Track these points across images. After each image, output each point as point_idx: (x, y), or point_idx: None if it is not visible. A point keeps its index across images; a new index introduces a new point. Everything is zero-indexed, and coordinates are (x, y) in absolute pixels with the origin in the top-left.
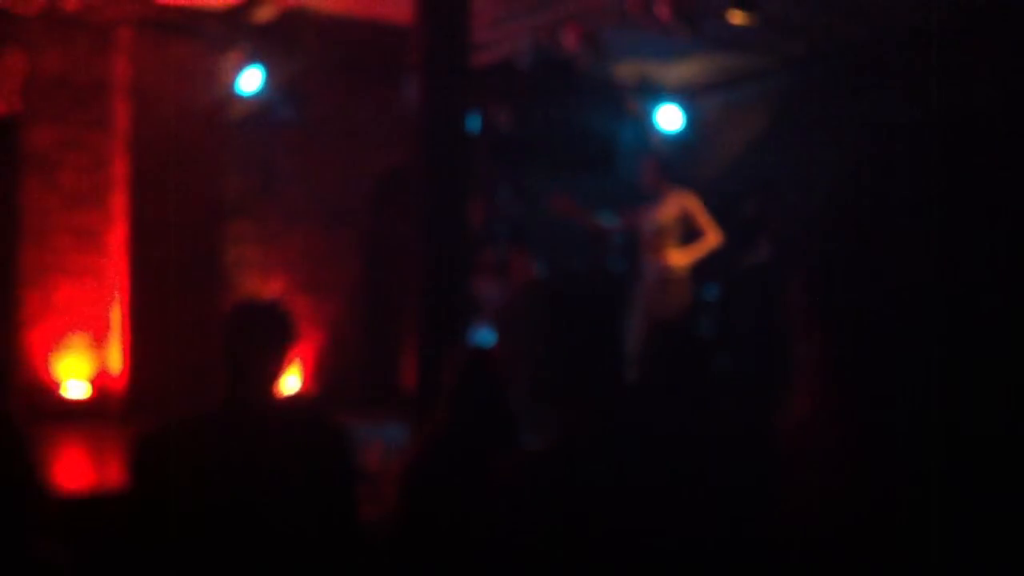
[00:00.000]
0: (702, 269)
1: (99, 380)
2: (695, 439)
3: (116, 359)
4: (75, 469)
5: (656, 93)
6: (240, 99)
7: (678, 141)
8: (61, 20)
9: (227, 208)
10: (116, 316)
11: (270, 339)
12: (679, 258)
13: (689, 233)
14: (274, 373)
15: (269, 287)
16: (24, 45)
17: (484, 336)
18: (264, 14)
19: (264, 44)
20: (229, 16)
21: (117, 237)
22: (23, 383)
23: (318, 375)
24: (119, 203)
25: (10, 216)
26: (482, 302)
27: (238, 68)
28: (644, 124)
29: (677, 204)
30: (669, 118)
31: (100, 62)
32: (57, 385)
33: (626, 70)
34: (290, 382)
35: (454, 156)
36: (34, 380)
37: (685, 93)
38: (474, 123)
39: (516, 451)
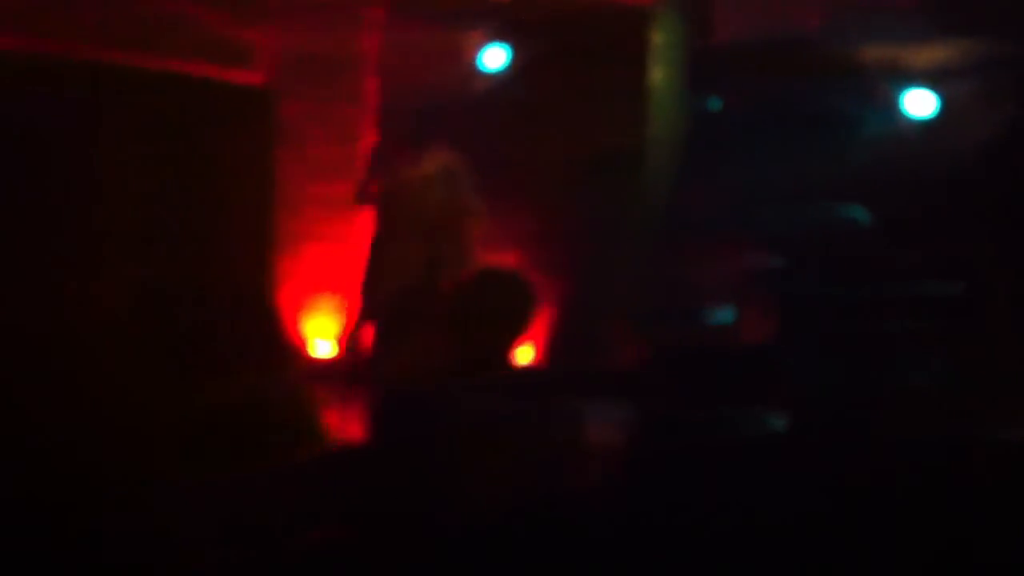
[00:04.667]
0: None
1: (344, 340)
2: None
3: (363, 330)
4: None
5: (904, 77)
6: (481, 78)
7: (928, 128)
8: None
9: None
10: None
11: (510, 307)
12: None
13: None
14: (513, 341)
15: (501, 262)
16: (279, 19)
17: (718, 318)
18: None
19: (507, 23)
20: None
21: (364, 209)
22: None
23: (548, 350)
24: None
25: (264, 185)
26: (702, 285)
27: (481, 47)
28: (891, 109)
29: None
30: (918, 104)
31: (350, 38)
32: (305, 344)
33: (872, 51)
34: (524, 353)
35: (681, 138)
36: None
37: (936, 78)
38: (713, 104)
39: (746, 436)
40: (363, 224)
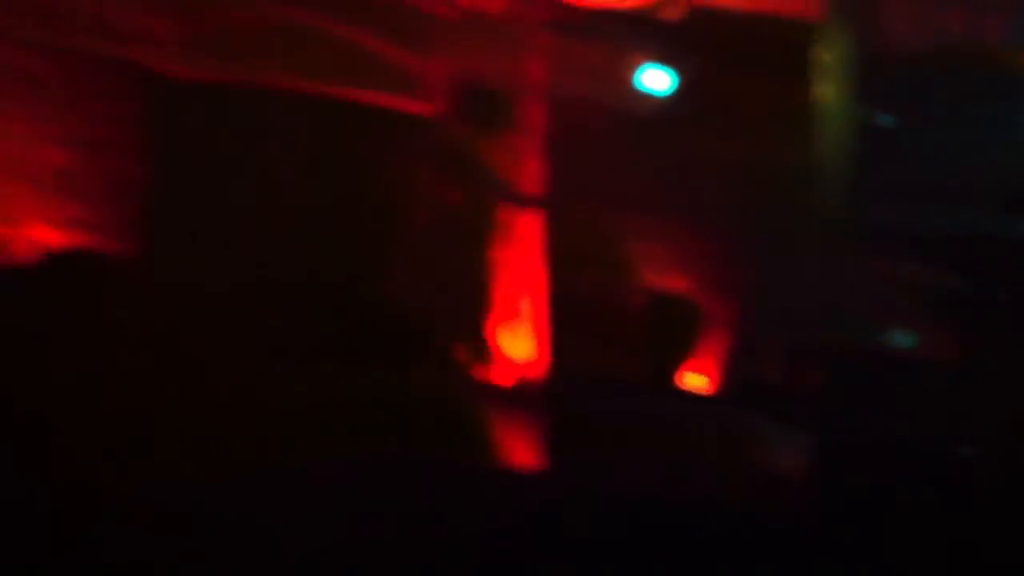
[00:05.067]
0: None
1: (520, 366)
2: None
3: (535, 347)
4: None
5: None
6: (646, 98)
7: None
8: (481, 24)
9: (634, 205)
10: (532, 306)
11: (680, 331)
12: None
13: None
14: (682, 361)
15: (672, 285)
16: (448, 49)
17: (898, 337)
18: (671, 13)
19: (670, 43)
20: (638, 16)
21: (532, 230)
22: None
23: (720, 373)
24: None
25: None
26: (880, 302)
27: (644, 69)
28: None
29: None
30: None
31: (516, 64)
32: (486, 370)
33: None
34: (695, 377)
35: (852, 153)
36: None
37: None
38: (885, 118)
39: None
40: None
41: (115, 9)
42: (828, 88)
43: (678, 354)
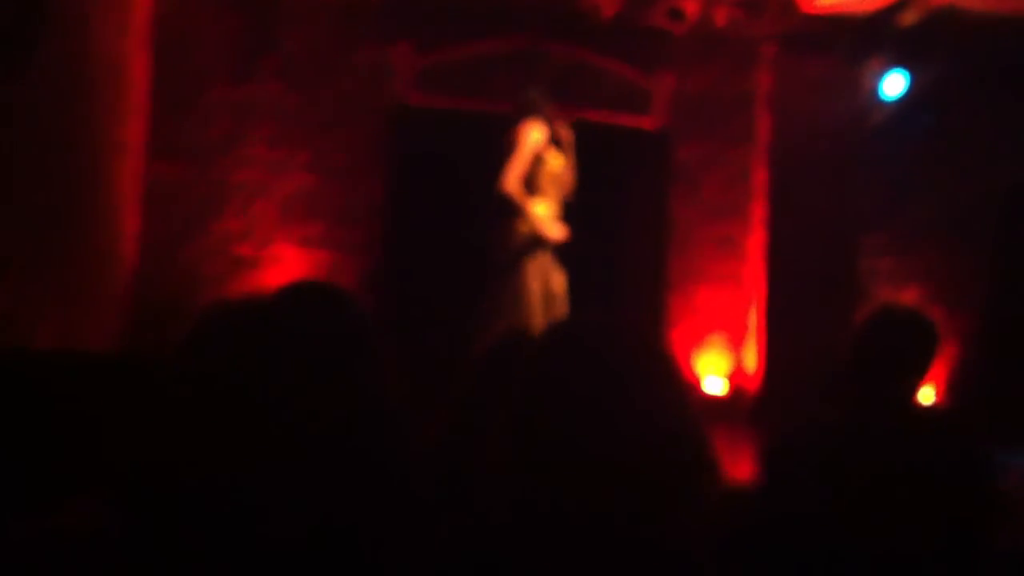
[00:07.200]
0: None
1: (735, 378)
2: None
3: (751, 359)
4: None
5: None
6: (880, 107)
7: None
8: (707, 38)
9: (862, 218)
10: (752, 319)
11: (913, 346)
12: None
13: None
14: (915, 382)
15: (901, 298)
16: (673, 64)
17: None
18: (909, 17)
19: (907, 48)
20: (872, 22)
21: (755, 245)
22: None
23: (950, 390)
24: (758, 213)
25: (659, 226)
26: None
27: (879, 76)
28: None
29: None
30: None
31: (743, 77)
32: (696, 381)
33: None
34: (925, 393)
35: None
36: None
37: None
38: None
39: None
40: (754, 261)
41: (359, 46)
42: None
43: (911, 371)
